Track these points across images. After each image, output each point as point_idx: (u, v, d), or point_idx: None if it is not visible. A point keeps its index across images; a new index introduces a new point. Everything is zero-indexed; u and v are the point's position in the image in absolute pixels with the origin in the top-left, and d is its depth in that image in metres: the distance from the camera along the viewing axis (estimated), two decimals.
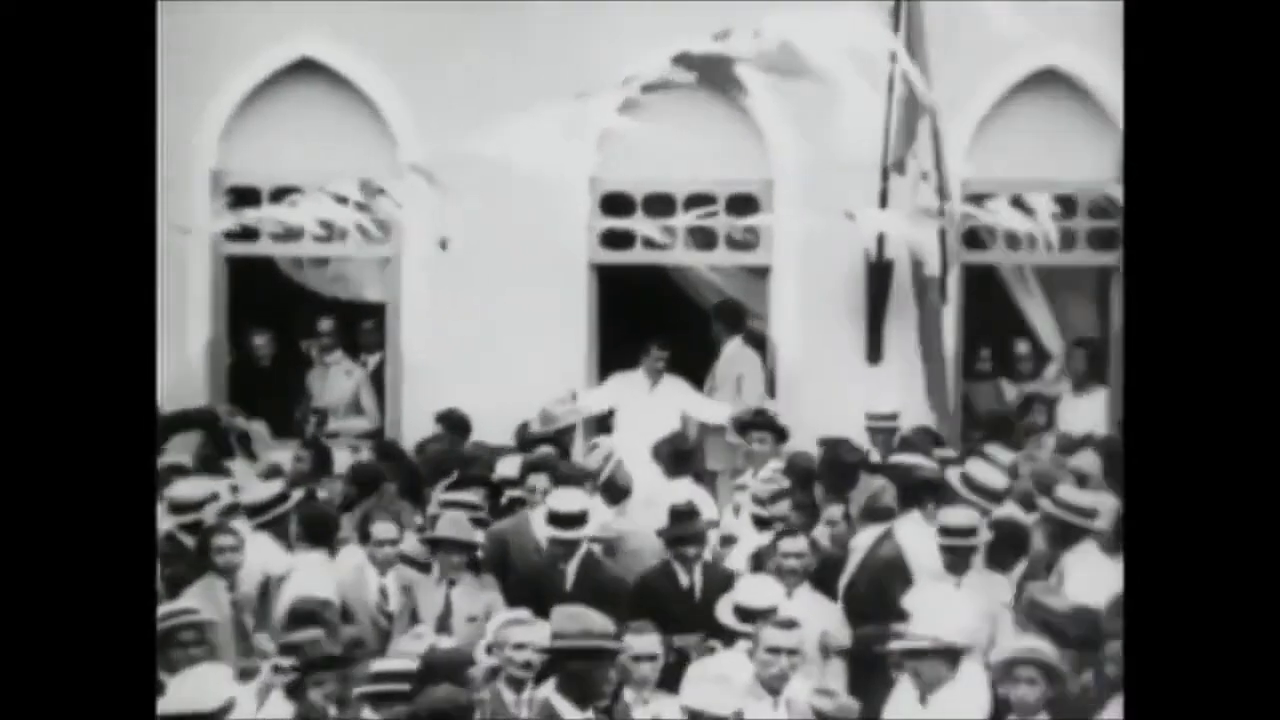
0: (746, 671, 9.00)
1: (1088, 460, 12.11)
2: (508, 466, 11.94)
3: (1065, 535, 10.56)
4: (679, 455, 12.33)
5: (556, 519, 10.54)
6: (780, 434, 12.77)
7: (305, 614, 9.26)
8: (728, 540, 11.54)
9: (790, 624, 8.99)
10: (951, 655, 8.59)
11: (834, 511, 10.96)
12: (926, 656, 8.55)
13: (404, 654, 8.93)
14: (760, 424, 12.87)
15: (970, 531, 10.33)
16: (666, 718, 8.71)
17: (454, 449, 12.82)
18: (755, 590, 9.75)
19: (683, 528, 10.60)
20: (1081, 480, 11.55)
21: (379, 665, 8.67)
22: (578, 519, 10.55)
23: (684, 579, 10.52)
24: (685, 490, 11.88)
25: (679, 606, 10.31)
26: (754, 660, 9.00)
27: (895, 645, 8.76)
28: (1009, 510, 10.93)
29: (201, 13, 13.66)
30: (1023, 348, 14.73)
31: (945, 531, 10.36)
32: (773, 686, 8.83)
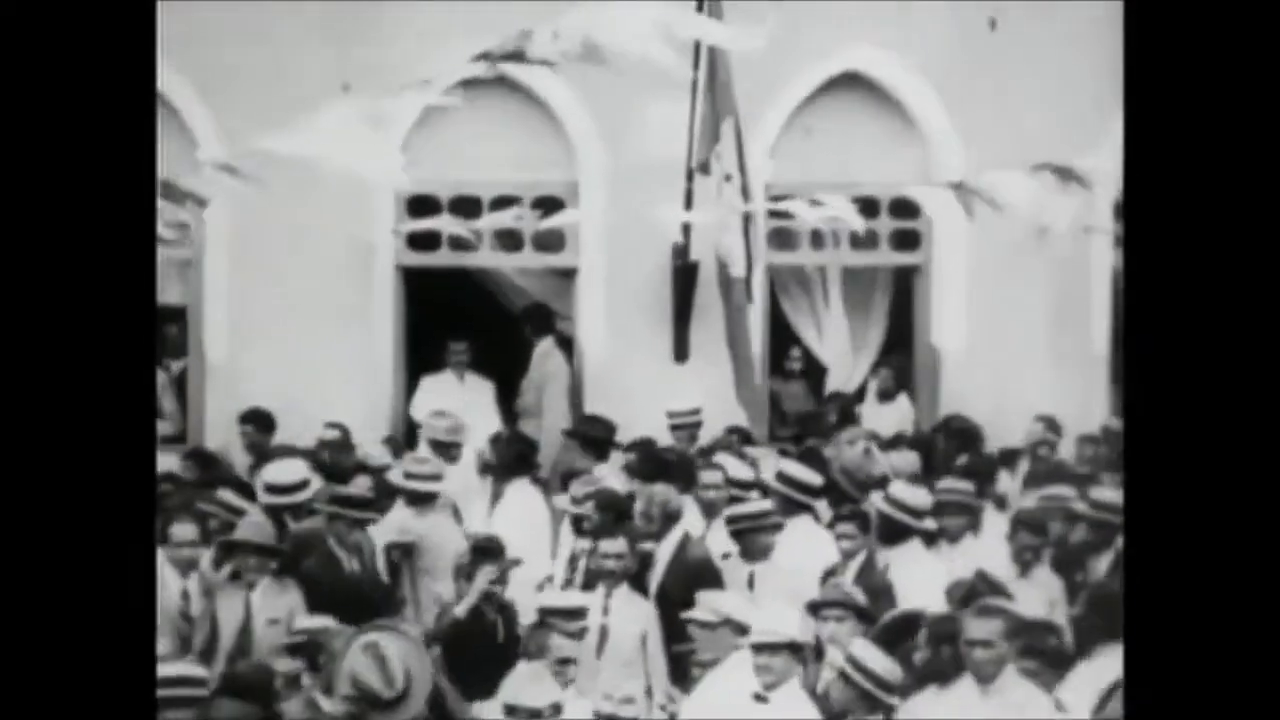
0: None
1: (908, 460, 12.25)
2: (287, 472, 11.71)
3: (892, 531, 10.70)
4: (521, 456, 12.37)
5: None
6: (600, 445, 12.76)
7: None
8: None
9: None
10: (796, 650, 8.65)
11: (652, 502, 10.95)
12: (778, 651, 8.59)
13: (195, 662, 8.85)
14: (582, 433, 12.88)
15: (764, 515, 10.45)
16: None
17: (261, 445, 12.78)
18: (561, 596, 9.79)
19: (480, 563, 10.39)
20: (903, 476, 11.70)
21: (171, 670, 8.55)
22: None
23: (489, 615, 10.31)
24: (522, 494, 11.96)
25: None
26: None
27: (747, 640, 8.77)
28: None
29: None
30: (795, 351, 14.87)
31: (733, 520, 10.49)
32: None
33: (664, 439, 12.85)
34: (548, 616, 9.36)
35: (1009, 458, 13.00)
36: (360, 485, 11.26)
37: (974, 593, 9.37)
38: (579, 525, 11.19)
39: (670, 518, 10.70)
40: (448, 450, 12.11)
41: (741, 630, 8.91)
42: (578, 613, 9.48)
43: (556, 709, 8.46)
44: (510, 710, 8.41)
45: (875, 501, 10.88)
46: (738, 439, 13.01)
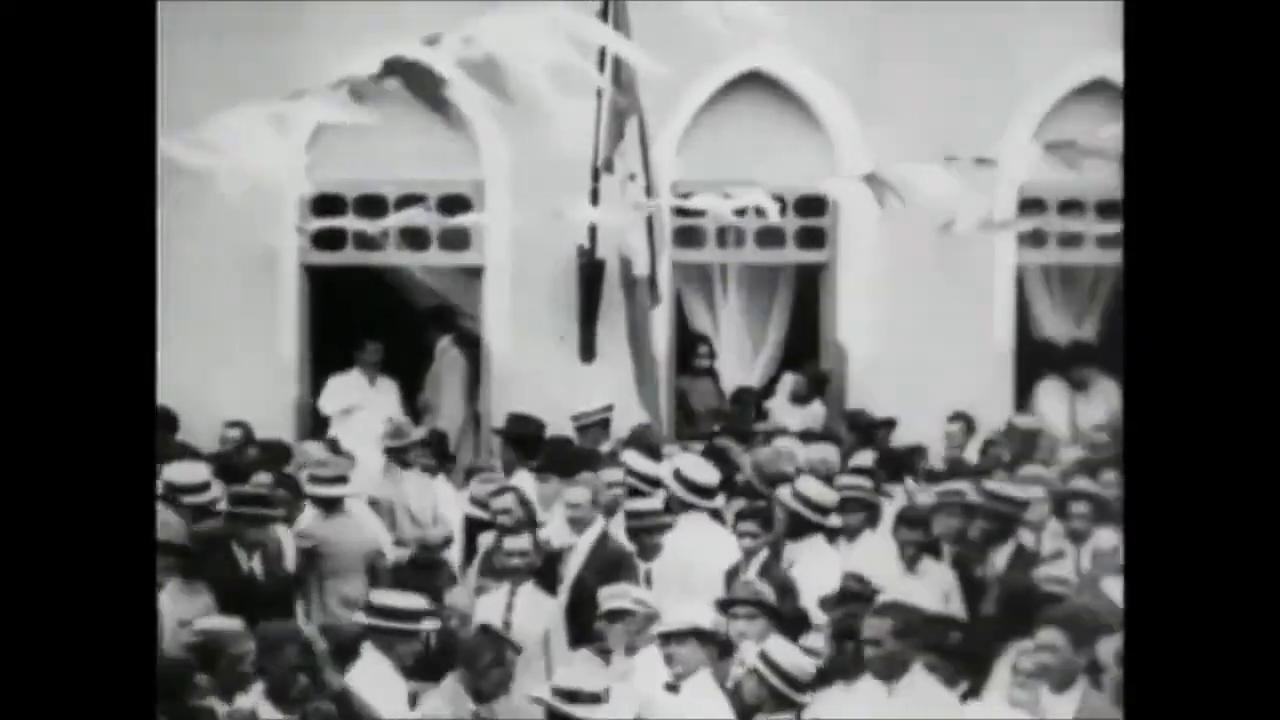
0: None
1: (828, 452, 12.30)
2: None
3: (798, 527, 10.74)
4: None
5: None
6: (529, 443, 12.74)
7: None
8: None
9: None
10: (704, 638, 8.66)
11: (575, 494, 10.92)
12: (685, 640, 8.60)
13: None
14: (511, 432, 12.88)
15: (653, 514, 10.49)
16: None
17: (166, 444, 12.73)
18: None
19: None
20: (817, 473, 11.74)
21: None
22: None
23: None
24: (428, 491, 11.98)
25: None
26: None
27: (658, 628, 8.78)
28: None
29: None
30: (702, 348, 14.92)
31: (631, 515, 10.52)
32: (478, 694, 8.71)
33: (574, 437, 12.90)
34: (378, 616, 9.18)
35: (914, 454, 13.07)
36: (258, 483, 11.18)
37: (845, 595, 9.43)
38: (485, 523, 11.19)
39: (610, 510, 10.76)
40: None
41: (651, 620, 8.93)
42: (414, 614, 9.29)
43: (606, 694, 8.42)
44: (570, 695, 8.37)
45: (783, 497, 10.93)
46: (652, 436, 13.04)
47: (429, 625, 9.30)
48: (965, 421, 13.73)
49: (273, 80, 11.34)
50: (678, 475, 11.01)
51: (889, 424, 13.73)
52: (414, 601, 9.25)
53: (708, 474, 11.10)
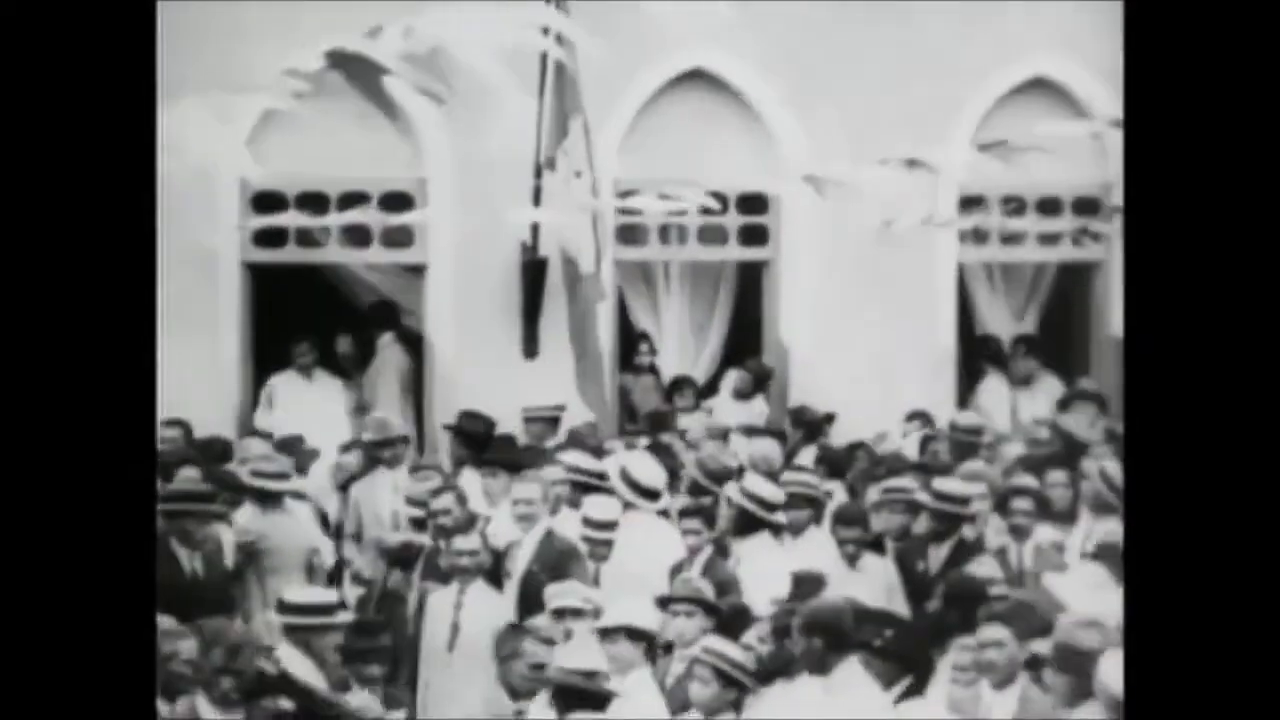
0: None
1: (770, 448, 12.31)
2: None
3: (745, 524, 10.75)
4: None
5: None
6: (479, 440, 12.71)
7: None
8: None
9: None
10: (637, 637, 8.66)
11: (524, 490, 10.89)
12: (618, 638, 8.61)
13: None
14: (462, 429, 12.86)
15: (610, 525, 10.50)
16: None
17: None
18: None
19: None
20: (759, 469, 11.76)
21: None
22: None
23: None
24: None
25: None
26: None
27: (597, 624, 8.79)
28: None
29: None
30: (644, 345, 14.92)
31: (588, 523, 10.51)
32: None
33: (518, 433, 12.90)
34: (292, 613, 9.16)
35: (857, 450, 13.09)
36: (190, 479, 11.07)
37: (798, 590, 9.45)
38: (427, 522, 11.17)
39: (556, 507, 10.76)
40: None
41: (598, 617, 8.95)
42: (328, 608, 9.28)
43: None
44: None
45: (730, 494, 10.93)
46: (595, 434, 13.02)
47: (343, 618, 9.28)
48: (923, 419, 13.77)
49: (214, 75, 11.30)
50: (624, 476, 11.01)
51: (831, 419, 13.77)
52: (325, 596, 9.29)
53: (654, 475, 11.10)
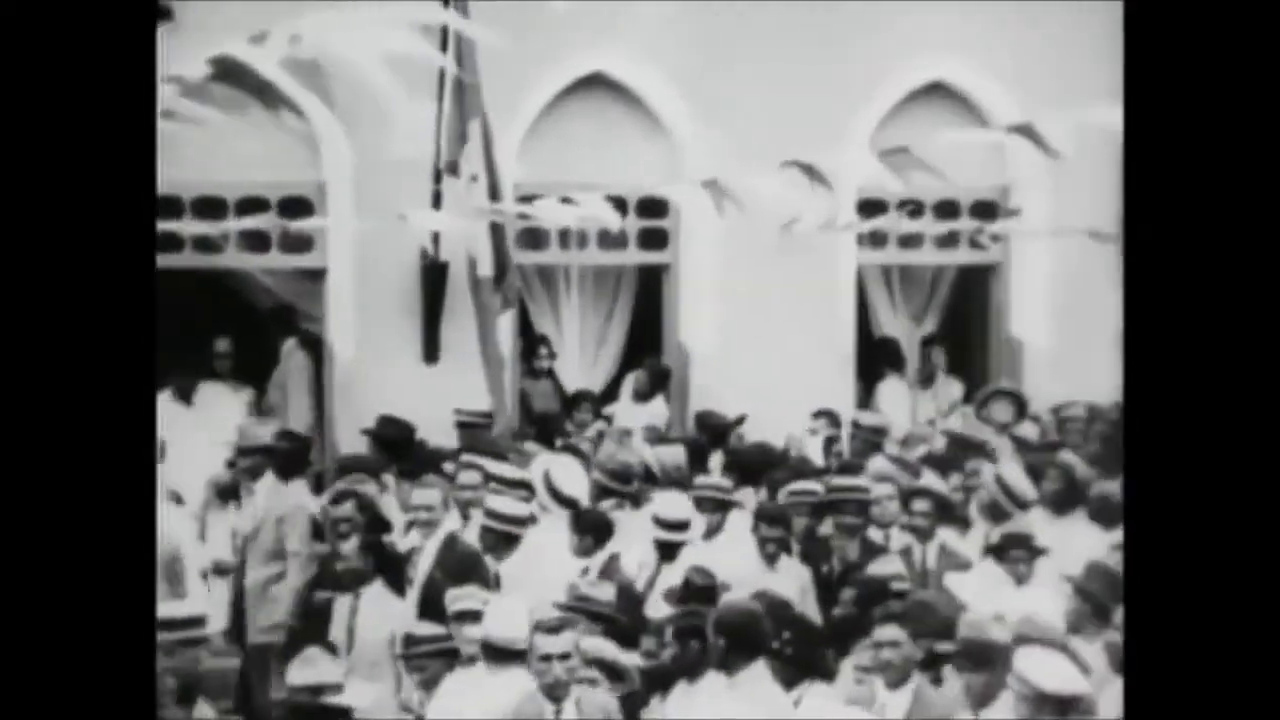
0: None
1: (677, 454, 12.33)
2: None
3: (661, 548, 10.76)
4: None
5: None
6: (397, 446, 12.68)
7: None
8: None
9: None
10: (495, 652, 8.67)
11: (423, 496, 10.86)
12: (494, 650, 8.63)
13: None
14: (379, 434, 12.81)
15: (519, 521, 10.48)
16: None
17: None
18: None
19: None
20: (669, 476, 11.78)
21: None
22: None
23: None
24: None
25: None
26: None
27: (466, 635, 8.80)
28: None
29: None
30: (543, 349, 14.92)
31: (491, 515, 10.50)
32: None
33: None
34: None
35: (763, 453, 13.10)
36: None
37: (689, 590, 9.48)
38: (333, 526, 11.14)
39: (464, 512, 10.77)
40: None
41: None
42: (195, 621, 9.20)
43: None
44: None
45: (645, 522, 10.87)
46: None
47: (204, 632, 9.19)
48: (829, 417, 13.81)
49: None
50: (547, 482, 11.01)
51: (739, 423, 13.78)
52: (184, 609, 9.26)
53: (579, 486, 11.10)
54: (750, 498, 11.98)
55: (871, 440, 13.14)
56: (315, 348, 14.45)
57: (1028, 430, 13.55)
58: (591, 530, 10.58)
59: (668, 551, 10.54)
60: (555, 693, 8.31)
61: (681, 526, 10.59)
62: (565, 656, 8.38)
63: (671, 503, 10.78)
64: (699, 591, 9.46)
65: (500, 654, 8.71)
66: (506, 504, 10.63)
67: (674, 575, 10.27)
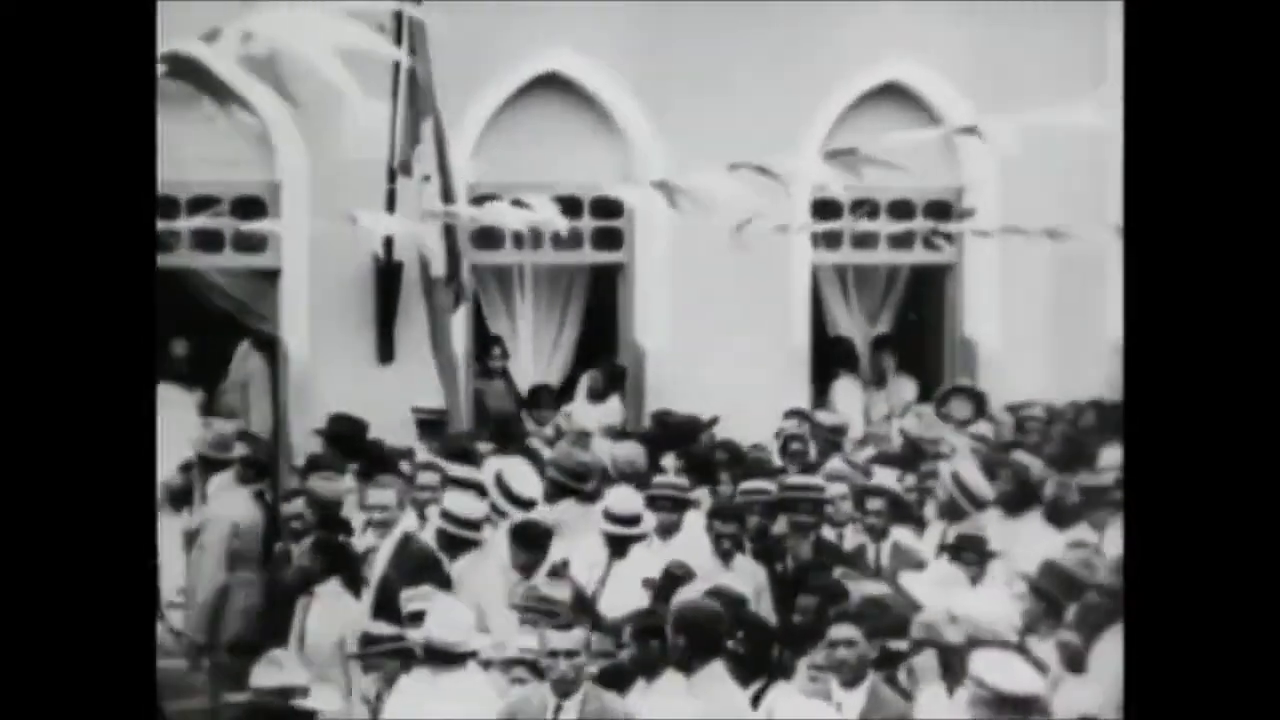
0: None
1: (634, 452, 12.32)
2: None
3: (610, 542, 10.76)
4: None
5: None
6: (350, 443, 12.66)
7: None
8: None
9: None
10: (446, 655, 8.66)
11: (378, 496, 10.84)
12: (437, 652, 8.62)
13: None
14: (333, 433, 12.77)
15: (474, 523, 10.48)
16: None
17: None
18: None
19: None
20: (624, 474, 11.77)
21: None
22: None
23: None
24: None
25: None
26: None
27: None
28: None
29: None
30: (496, 349, 14.90)
31: (447, 517, 10.47)
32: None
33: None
34: None
35: (719, 451, 13.09)
36: None
37: (669, 582, 9.48)
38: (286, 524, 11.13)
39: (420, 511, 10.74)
40: None
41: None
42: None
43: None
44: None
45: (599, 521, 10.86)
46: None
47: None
48: (800, 418, 13.82)
49: None
50: (499, 483, 10.99)
51: (696, 422, 13.78)
52: None
53: (532, 486, 11.08)
54: (707, 497, 11.99)
55: (830, 440, 13.15)
56: (270, 349, 14.41)
57: (984, 429, 13.58)
58: (529, 544, 10.48)
59: (618, 546, 10.54)
60: (563, 690, 8.28)
61: (632, 521, 10.59)
62: (572, 654, 8.33)
63: (622, 498, 10.78)
64: (678, 581, 9.46)
65: (444, 657, 8.68)
66: (462, 505, 10.60)
67: (627, 571, 10.27)
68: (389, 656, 9.14)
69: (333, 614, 10.04)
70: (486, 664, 8.92)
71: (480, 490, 10.99)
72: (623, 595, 10.01)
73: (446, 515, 10.49)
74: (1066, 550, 9.75)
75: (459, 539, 10.43)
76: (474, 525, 10.51)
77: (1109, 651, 7.73)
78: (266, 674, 8.47)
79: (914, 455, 12.61)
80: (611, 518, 10.57)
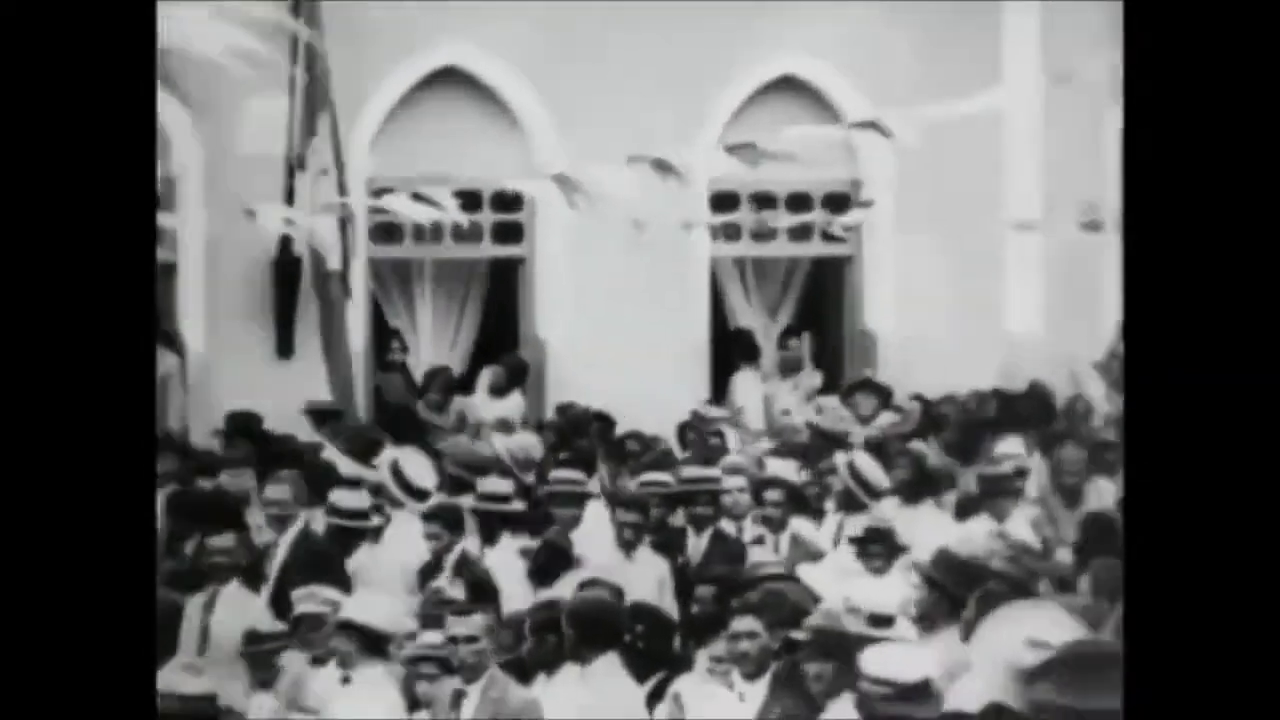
0: None
1: (529, 442, 12.32)
2: None
3: (489, 528, 10.77)
4: None
5: None
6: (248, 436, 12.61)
7: None
8: None
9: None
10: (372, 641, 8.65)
11: (275, 491, 10.79)
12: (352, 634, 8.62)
13: None
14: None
15: (362, 515, 10.47)
16: None
17: None
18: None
19: None
20: (519, 462, 11.77)
21: None
22: None
23: None
24: None
25: None
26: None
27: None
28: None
29: None
30: (395, 343, 14.89)
31: (334, 511, 10.45)
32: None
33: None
34: None
35: (620, 445, 13.11)
36: None
37: (549, 553, 9.50)
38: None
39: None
40: None
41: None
42: None
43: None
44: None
45: (467, 501, 10.88)
46: None
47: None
48: (700, 411, 13.87)
49: None
50: (395, 472, 10.97)
51: (599, 417, 13.79)
52: None
53: (426, 476, 11.06)
54: (608, 486, 12.03)
55: (727, 431, 13.20)
56: (173, 344, 14.34)
57: (887, 420, 13.64)
58: (441, 520, 10.53)
59: (487, 526, 10.59)
60: (467, 676, 8.28)
61: (503, 499, 10.64)
62: (472, 639, 8.32)
63: (491, 482, 10.84)
64: (558, 553, 9.46)
65: (371, 641, 8.66)
66: (348, 499, 10.58)
67: (496, 558, 10.30)
68: (277, 654, 9.10)
69: (235, 613, 9.96)
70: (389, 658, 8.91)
71: (375, 483, 10.97)
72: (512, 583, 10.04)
73: (332, 509, 10.48)
74: (962, 541, 9.81)
75: (349, 530, 10.43)
76: (361, 515, 10.51)
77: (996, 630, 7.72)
78: (171, 679, 8.37)
79: (821, 447, 12.65)
80: (482, 497, 10.64)
